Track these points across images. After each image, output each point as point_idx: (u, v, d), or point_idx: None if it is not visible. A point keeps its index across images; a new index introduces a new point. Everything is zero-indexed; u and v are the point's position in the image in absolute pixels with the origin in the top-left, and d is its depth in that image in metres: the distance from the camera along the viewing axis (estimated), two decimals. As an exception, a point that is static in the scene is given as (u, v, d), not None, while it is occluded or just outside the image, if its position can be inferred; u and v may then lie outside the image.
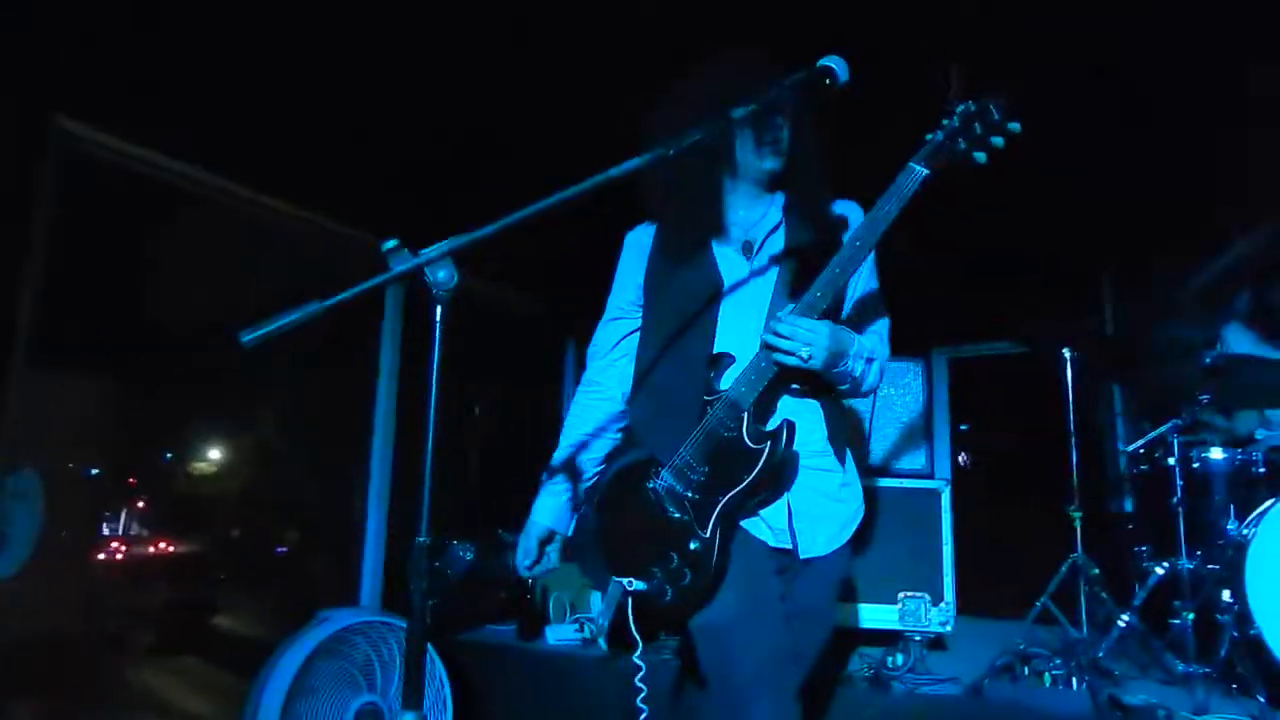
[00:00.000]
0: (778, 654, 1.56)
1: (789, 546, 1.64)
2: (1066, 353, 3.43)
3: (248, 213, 3.30)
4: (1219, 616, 2.70)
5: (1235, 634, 2.57)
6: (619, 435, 1.85)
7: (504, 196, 1.36)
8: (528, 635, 3.48)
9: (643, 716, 1.64)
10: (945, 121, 1.54)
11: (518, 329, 5.01)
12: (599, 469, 1.84)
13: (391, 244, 1.14)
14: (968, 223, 3.56)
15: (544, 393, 5.17)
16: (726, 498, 1.55)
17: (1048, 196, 3.72)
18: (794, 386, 1.65)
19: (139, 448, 3.63)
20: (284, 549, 4.10)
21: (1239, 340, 3.60)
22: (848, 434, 1.75)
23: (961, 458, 6.17)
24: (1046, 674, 2.72)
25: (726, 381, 1.61)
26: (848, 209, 1.75)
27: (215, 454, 4.12)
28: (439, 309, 1.15)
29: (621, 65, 2.98)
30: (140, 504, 3.79)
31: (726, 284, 1.69)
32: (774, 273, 1.68)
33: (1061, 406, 3.46)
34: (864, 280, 1.75)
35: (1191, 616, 2.83)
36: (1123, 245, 4.43)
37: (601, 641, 3.23)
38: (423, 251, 1.16)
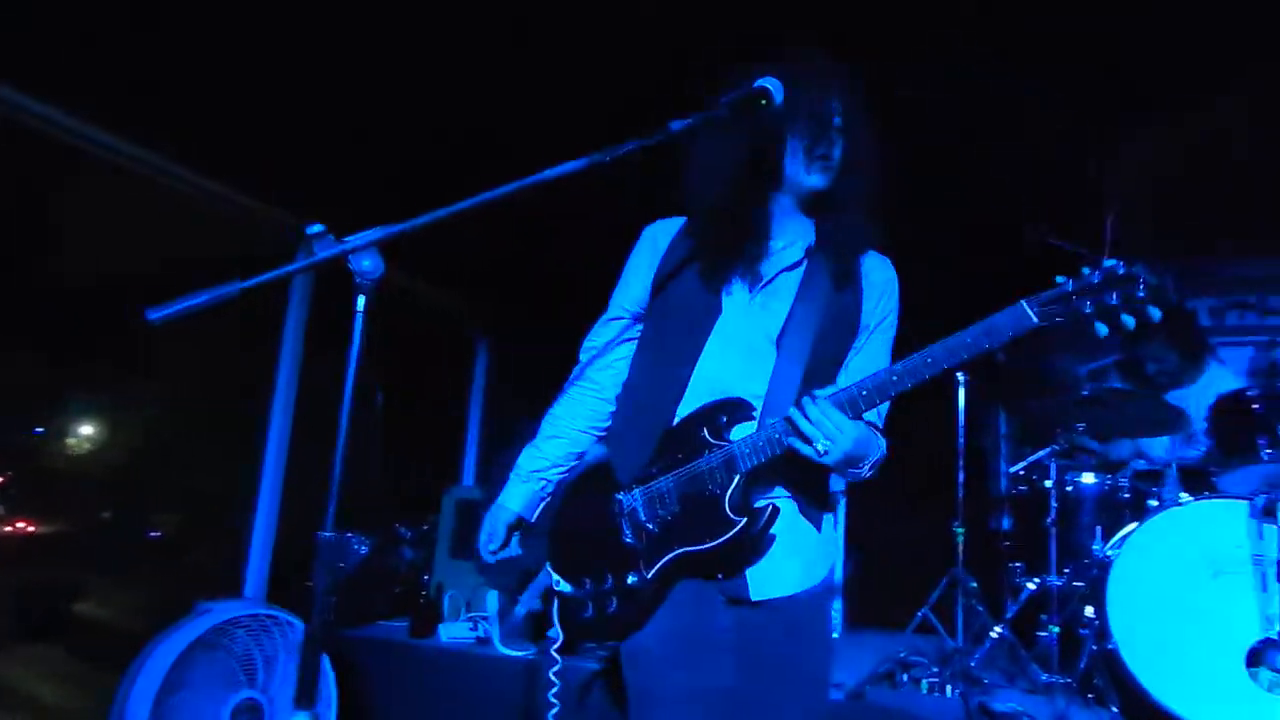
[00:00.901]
0: (706, 690, 1.47)
1: (737, 588, 1.51)
2: (960, 377, 3.61)
3: (151, 182, 3.12)
4: (1081, 631, 2.90)
5: (1094, 648, 2.75)
6: (602, 435, 1.76)
7: (435, 188, 1.33)
8: (420, 633, 3.41)
9: (553, 712, 1.64)
10: (1086, 271, 1.32)
11: (428, 323, 4.90)
12: (575, 464, 1.76)
13: (316, 229, 1.11)
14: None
15: (450, 390, 5.08)
16: (682, 551, 1.47)
17: (944, 237, 3.91)
18: (796, 468, 1.49)
19: (3, 420, 3.38)
20: (158, 534, 3.90)
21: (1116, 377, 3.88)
22: (831, 502, 1.66)
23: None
24: (924, 681, 2.85)
25: (738, 433, 1.48)
26: (878, 266, 1.63)
27: (91, 430, 3.88)
28: (361, 299, 1.11)
29: (572, 60, 2.98)
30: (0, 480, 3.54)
31: (724, 313, 1.56)
32: (776, 315, 1.55)
33: (948, 426, 3.64)
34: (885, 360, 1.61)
35: (1057, 630, 3.03)
36: (1015, 280, 4.67)
37: (497, 641, 3.22)
38: (348, 239, 1.12)
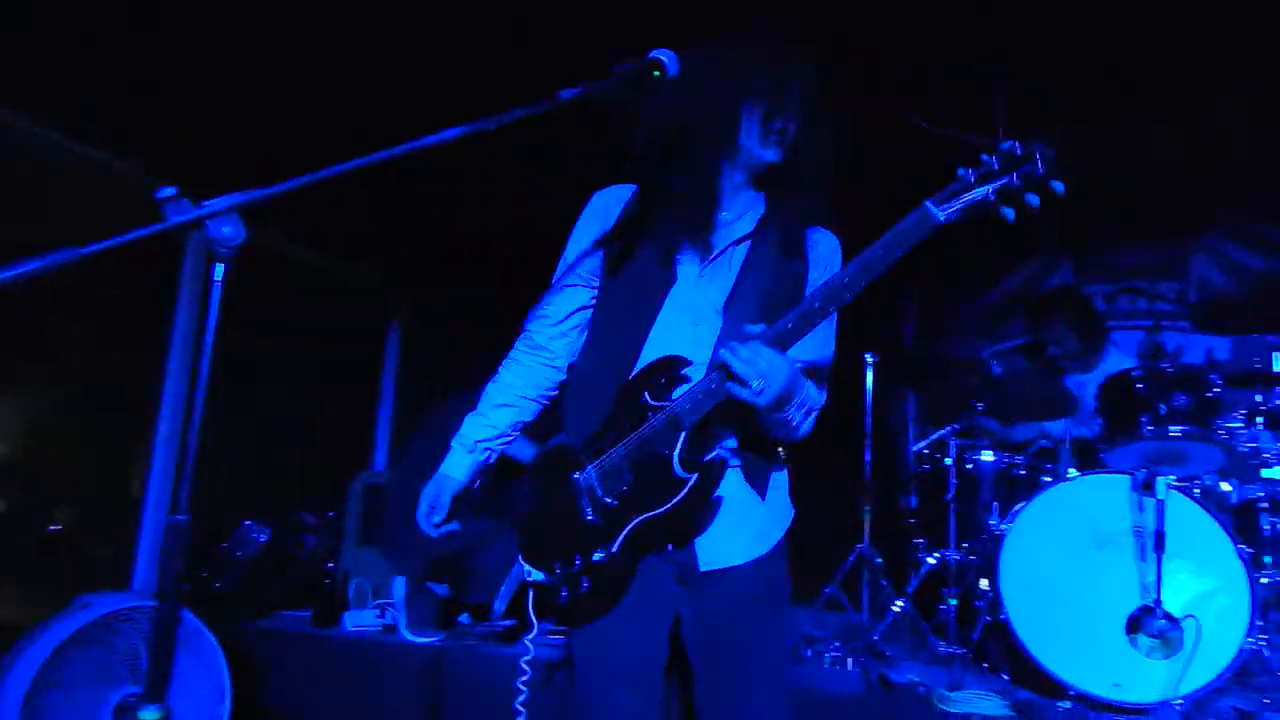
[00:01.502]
0: (646, 658, 1.50)
1: (687, 559, 1.51)
2: (868, 358, 3.69)
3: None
4: (976, 603, 3.00)
5: (988, 618, 2.86)
6: (548, 405, 1.73)
7: (320, 155, 1.26)
8: (324, 622, 3.31)
9: (520, 699, 1.60)
10: (984, 158, 1.29)
11: (339, 304, 4.74)
12: (516, 434, 1.75)
13: (169, 192, 1.03)
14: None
15: (361, 373, 4.94)
16: (640, 519, 1.45)
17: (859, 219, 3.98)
18: (738, 423, 1.49)
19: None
20: (57, 527, 3.68)
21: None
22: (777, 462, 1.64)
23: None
24: (826, 656, 2.91)
25: (679, 391, 1.46)
26: (824, 239, 1.62)
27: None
28: (220, 268, 1.05)
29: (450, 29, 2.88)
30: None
31: (677, 283, 1.56)
32: (723, 286, 1.56)
33: (857, 406, 3.72)
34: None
35: (955, 603, 3.14)
36: (924, 266, 4.82)
37: (403, 629, 3.15)
38: (205, 203, 1.05)
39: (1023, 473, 3.41)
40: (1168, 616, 2.53)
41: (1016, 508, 2.87)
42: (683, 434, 1.43)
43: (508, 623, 3.48)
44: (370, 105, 3.18)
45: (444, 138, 1.23)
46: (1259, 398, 3.18)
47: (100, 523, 3.59)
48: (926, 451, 3.72)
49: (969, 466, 3.45)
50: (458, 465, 1.70)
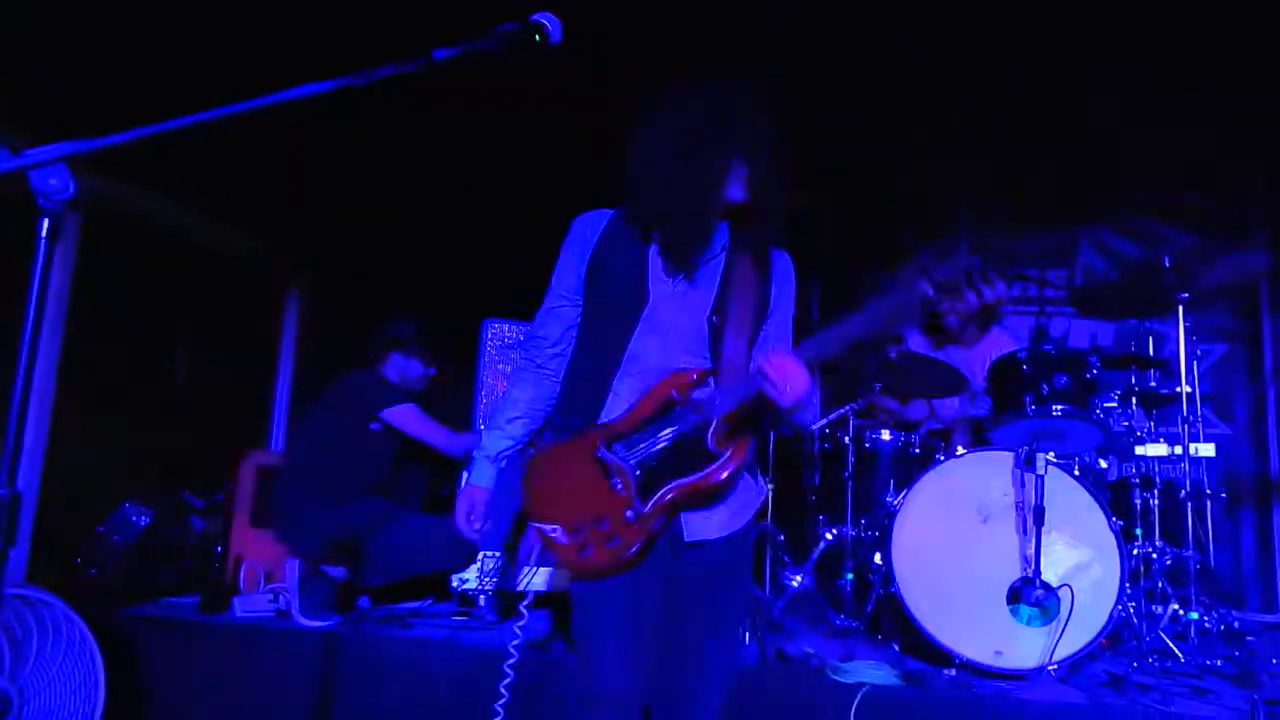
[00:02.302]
0: (639, 618, 1.70)
1: (675, 530, 1.73)
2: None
3: None
4: (870, 577, 3.09)
5: (881, 591, 2.95)
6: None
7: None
8: (211, 608, 3.17)
9: (509, 663, 1.85)
10: (952, 254, 1.71)
11: (231, 273, 4.52)
12: (528, 439, 1.94)
13: (-15, 140, 0.94)
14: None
15: (257, 344, 4.73)
16: (674, 484, 1.66)
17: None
18: (754, 419, 1.73)
19: None
20: None
21: (916, 342, 4.14)
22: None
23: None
24: (726, 631, 2.94)
25: (700, 394, 1.70)
26: (780, 258, 1.89)
27: None
28: (45, 222, 0.96)
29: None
30: None
31: (651, 300, 1.77)
32: (702, 298, 1.78)
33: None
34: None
35: (851, 577, 3.23)
36: (828, 249, 4.94)
37: (296, 613, 3.04)
38: (27, 152, 0.96)
39: (918, 451, 3.52)
40: (1045, 586, 2.65)
41: (909, 485, 2.96)
42: (714, 421, 1.68)
43: (409, 605, 3.42)
44: (244, 63, 3.02)
45: (309, 91, 1.16)
46: (1134, 379, 3.36)
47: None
48: (827, 430, 3.80)
49: (867, 445, 3.54)
50: (485, 475, 1.90)
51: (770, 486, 3.62)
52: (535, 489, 1.80)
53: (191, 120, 1.10)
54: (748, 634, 2.93)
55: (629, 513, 1.67)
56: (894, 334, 3.19)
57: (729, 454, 1.67)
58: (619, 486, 1.70)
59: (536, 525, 1.75)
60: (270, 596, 3.26)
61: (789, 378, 1.62)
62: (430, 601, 3.49)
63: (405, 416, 3.45)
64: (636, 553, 1.67)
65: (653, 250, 1.80)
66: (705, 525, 1.74)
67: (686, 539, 1.73)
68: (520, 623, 1.93)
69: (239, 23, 3.08)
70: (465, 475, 1.90)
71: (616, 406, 1.76)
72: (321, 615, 3.08)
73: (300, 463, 3.43)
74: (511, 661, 1.92)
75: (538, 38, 1.36)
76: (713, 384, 1.74)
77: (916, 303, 1.67)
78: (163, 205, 3.86)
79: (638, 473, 1.70)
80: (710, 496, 1.71)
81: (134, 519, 3.22)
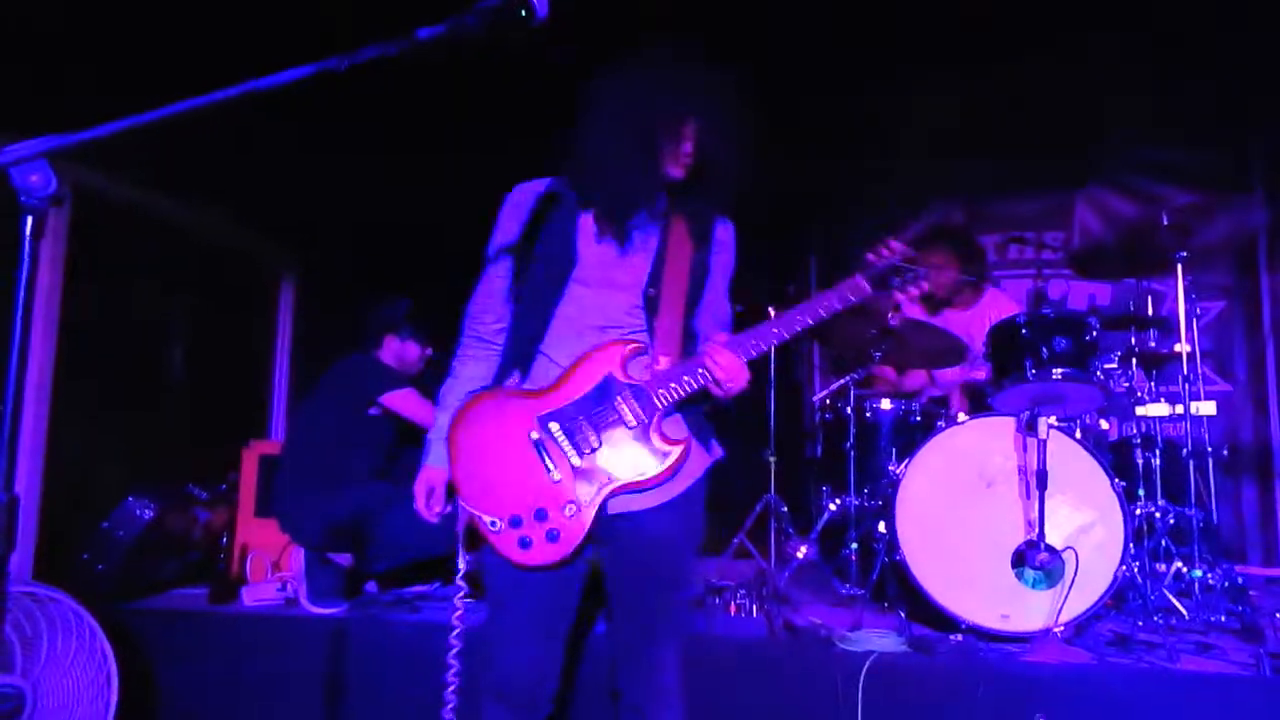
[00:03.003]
0: (552, 616, 1.73)
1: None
2: (770, 311, 3.72)
3: None
4: (875, 545, 3.10)
5: (885, 560, 2.96)
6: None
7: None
8: (220, 599, 3.19)
9: (453, 652, 1.76)
10: (885, 254, 1.78)
11: (227, 262, 4.49)
12: None
13: (-39, 137, 0.92)
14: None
15: (253, 334, 4.71)
16: (618, 481, 1.65)
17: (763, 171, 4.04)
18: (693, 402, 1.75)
19: None
20: None
21: (912, 310, 4.12)
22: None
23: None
24: (732, 604, 2.96)
25: (635, 368, 1.70)
26: (722, 225, 1.88)
27: None
28: (29, 220, 0.95)
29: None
30: None
31: (578, 263, 1.75)
32: (637, 265, 1.77)
33: (763, 359, 3.76)
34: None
35: (855, 546, 3.24)
36: (825, 219, 4.92)
37: (305, 601, 3.05)
38: (5, 149, 0.94)
39: (918, 419, 3.52)
40: (1049, 549, 2.66)
41: (912, 453, 2.96)
42: (657, 415, 1.68)
43: (417, 589, 3.43)
44: (217, 50, 2.98)
45: (288, 78, 1.14)
46: (1133, 340, 3.35)
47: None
48: (829, 401, 3.79)
49: (868, 415, 3.54)
50: (441, 456, 1.80)
51: (773, 459, 3.63)
52: (465, 462, 1.72)
53: (172, 110, 1.08)
54: (754, 606, 2.95)
55: (568, 506, 1.65)
56: (880, 307, 3.18)
57: (672, 454, 1.67)
58: (558, 479, 1.67)
59: (473, 512, 1.69)
60: (278, 585, 3.27)
61: (732, 375, 1.67)
62: (438, 585, 3.50)
63: (403, 400, 3.44)
64: (576, 549, 1.65)
65: (586, 215, 1.79)
66: (637, 499, 1.70)
67: (610, 512, 1.69)
68: (459, 613, 1.78)
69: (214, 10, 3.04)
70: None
71: (546, 372, 1.74)
72: (330, 602, 3.09)
73: (299, 450, 3.42)
74: (457, 633, 1.79)
75: (524, 13, 1.33)
76: (649, 357, 1.73)
77: (857, 298, 1.76)
78: (153, 197, 3.82)
79: (576, 463, 1.67)
80: (648, 490, 1.69)
81: (138, 513, 3.22)
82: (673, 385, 1.69)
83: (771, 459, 3.63)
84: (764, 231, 4.83)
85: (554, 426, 1.68)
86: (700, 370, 1.69)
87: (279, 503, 3.35)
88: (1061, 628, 2.61)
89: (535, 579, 1.68)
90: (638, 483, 1.66)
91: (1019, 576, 2.72)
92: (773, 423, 3.73)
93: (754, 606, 2.94)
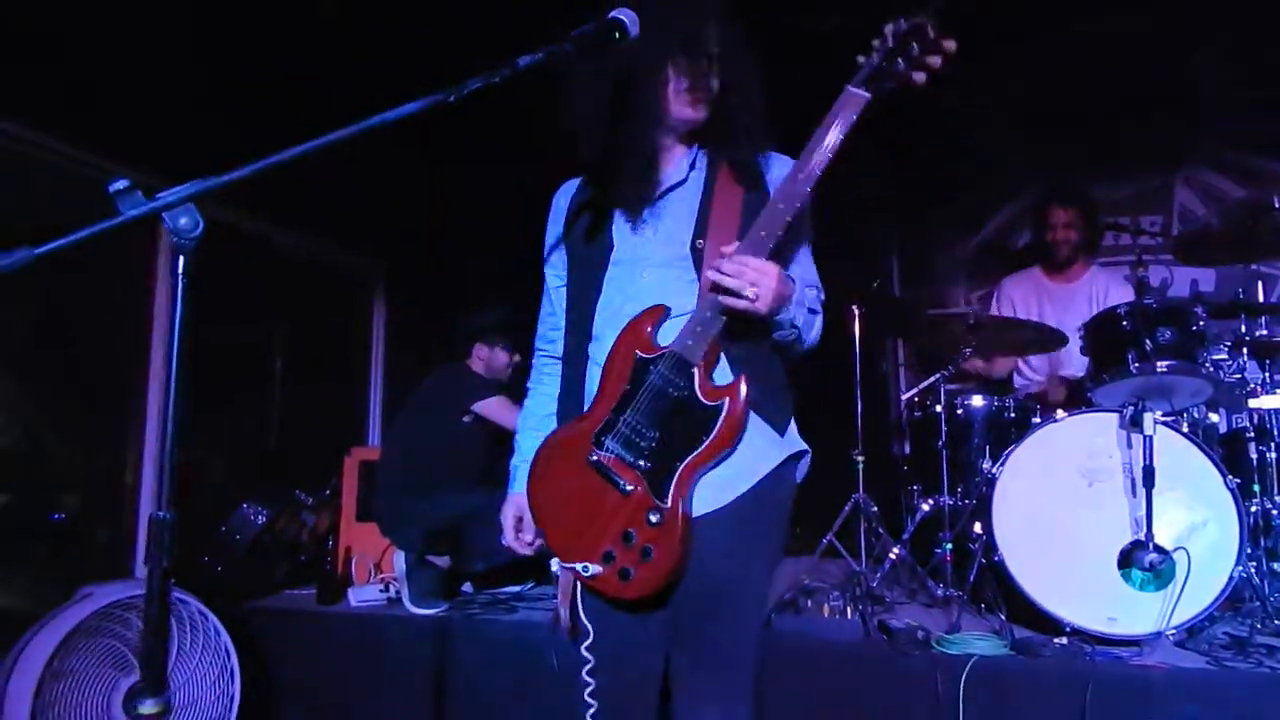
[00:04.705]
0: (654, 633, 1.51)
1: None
2: (855, 309, 3.68)
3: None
4: (970, 546, 3.04)
5: (983, 560, 2.90)
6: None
7: (273, 137, 1.24)
8: (327, 599, 3.34)
9: (590, 711, 1.53)
10: (877, 41, 1.43)
11: (325, 282, 4.71)
12: None
13: (121, 185, 1.00)
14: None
15: (351, 349, 4.93)
16: (685, 462, 1.43)
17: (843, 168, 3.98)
18: (740, 338, 1.49)
19: None
20: (60, 516, 3.69)
21: (1017, 286, 4.03)
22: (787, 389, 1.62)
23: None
24: (826, 605, 2.95)
25: (667, 336, 1.48)
26: (779, 162, 1.62)
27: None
28: (181, 260, 1.03)
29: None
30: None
31: (616, 246, 1.58)
32: (673, 232, 1.56)
33: (848, 356, 3.73)
34: (802, 227, 1.61)
35: (949, 547, 3.18)
36: (907, 216, 4.82)
37: (407, 601, 3.17)
38: (159, 195, 1.03)
39: (1013, 415, 3.43)
40: (1159, 549, 2.56)
41: (1007, 450, 2.89)
42: (695, 368, 1.44)
43: (511, 589, 3.52)
44: (327, 84, 3.13)
45: (402, 113, 1.20)
46: (1243, 328, 3.19)
47: (100, 511, 3.61)
48: (917, 399, 3.73)
49: (959, 412, 3.47)
50: (524, 481, 1.65)
51: (860, 459, 3.59)
52: (546, 519, 1.57)
53: (304, 149, 1.15)
54: (848, 608, 2.93)
55: (652, 515, 1.44)
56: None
57: (726, 402, 1.43)
58: (629, 488, 1.46)
59: (565, 566, 1.51)
60: (381, 586, 3.41)
61: (752, 278, 1.38)
62: (531, 585, 3.59)
63: (494, 407, 3.54)
64: (683, 553, 1.43)
65: (613, 195, 1.60)
66: (711, 488, 1.47)
67: (695, 514, 1.46)
68: (589, 667, 1.54)
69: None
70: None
71: (595, 380, 1.55)
72: (430, 602, 3.20)
73: (397, 459, 3.56)
74: (590, 690, 1.54)
75: (617, 35, 1.37)
76: (672, 317, 1.50)
77: (858, 112, 1.44)
78: (255, 221, 4.04)
79: (641, 463, 1.46)
80: (725, 452, 1.46)
81: (252, 518, 3.41)
82: (698, 329, 1.45)
83: (859, 458, 3.59)
84: (844, 229, 4.80)
85: (607, 439, 1.49)
86: (709, 290, 1.43)
87: (379, 508, 3.50)
88: (1174, 631, 2.51)
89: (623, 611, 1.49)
90: (703, 456, 1.43)
91: (1126, 578, 2.63)
92: (859, 421, 3.68)
93: (848, 608, 2.91)
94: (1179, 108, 4.46)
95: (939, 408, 3.38)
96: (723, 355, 1.49)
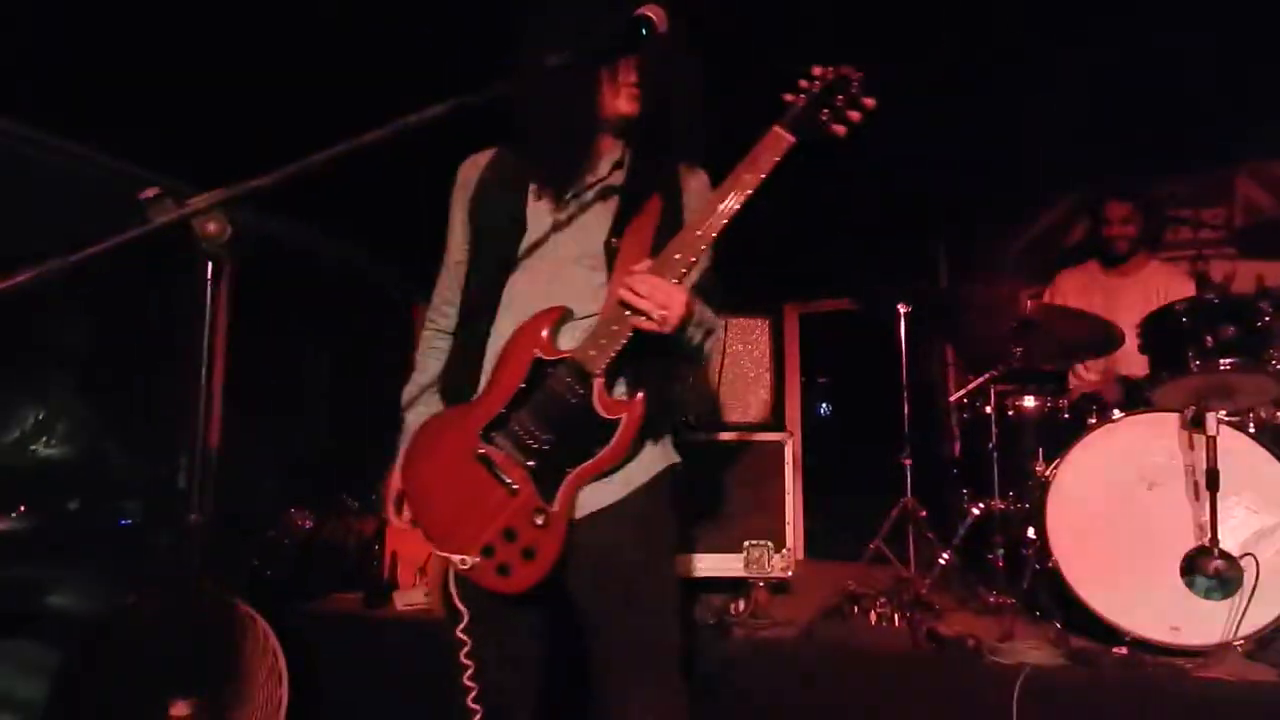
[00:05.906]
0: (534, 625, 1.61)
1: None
2: (900, 309, 3.61)
3: None
4: (1024, 551, 2.95)
5: (1037, 566, 2.80)
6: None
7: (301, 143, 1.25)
8: (374, 602, 3.37)
9: (471, 695, 1.58)
10: (805, 87, 1.48)
11: (363, 288, 4.79)
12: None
13: (151, 192, 1.02)
14: (817, 186, 3.67)
15: (391, 352, 4.99)
16: (576, 469, 1.47)
17: (888, 166, 3.88)
18: (641, 353, 1.52)
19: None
20: (128, 521, 3.82)
21: (1071, 281, 3.92)
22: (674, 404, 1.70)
23: (824, 407, 6.49)
24: (873, 612, 2.88)
25: (567, 338, 1.51)
26: (692, 174, 1.67)
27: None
28: (211, 266, 1.04)
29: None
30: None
31: (528, 233, 1.59)
32: (590, 227, 1.59)
33: (896, 360, 3.65)
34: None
35: (1002, 552, 3.08)
36: (954, 212, 4.70)
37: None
38: (189, 202, 1.04)
39: (1067, 417, 3.32)
40: (1224, 556, 2.45)
41: (1062, 453, 2.80)
42: (595, 380, 1.47)
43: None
44: (353, 91, 3.17)
45: (428, 116, 1.20)
46: (1314, 323, 3.03)
47: (160, 516, 3.71)
48: (966, 400, 3.64)
49: (1010, 413, 3.37)
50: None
51: (908, 462, 3.51)
52: (421, 504, 1.58)
53: (331, 154, 1.16)
54: (897, 615, 2.86)
55: (538, 517, 1.47)
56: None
57: (624, 418, 1.47)
58: (518, 489, 1.49)
59: (444, 556, 1.53)
60: (425, 591, 3.43)
61: (661, 300, 1.42)
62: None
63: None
64: (561, 555, 1.47)
65: (532, 176, 1.62)
66: (599, 491, 1.52)
67: (577, 515, 1.51)
68: (466, 649, 1.61)
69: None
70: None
71: (492, 364, 1.56)
72: (474, 607, 3.21)
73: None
74: (469, 674, 1.62)
75: (645, 31, 1.35)
76: (574, 319, 1.54)
77: (781, 155, 1.47)
78: (298, 232, 4.12)
79: (530, 464, 1.49)
80: (615, 466, 1.51)
81: (300, 522, 3.47)
82: (602, 341, 1.47)
83: (907, 462, 3.51)
84: (891, 228, 4.70)
85: (496, 435, 1.51)
86: (619, 304, 1.45)
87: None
88: (1242, 641, 2.40)
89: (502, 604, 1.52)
90: (594, 466, 1.48)
91: (1190, 585, 2.52)
92: (906, 424, 3.60)
93: (896, 615, 2.84)
94: (1243, 91, 4.27)
95: (989, 409, 3.29)
96: (623, 369, 1.52)
